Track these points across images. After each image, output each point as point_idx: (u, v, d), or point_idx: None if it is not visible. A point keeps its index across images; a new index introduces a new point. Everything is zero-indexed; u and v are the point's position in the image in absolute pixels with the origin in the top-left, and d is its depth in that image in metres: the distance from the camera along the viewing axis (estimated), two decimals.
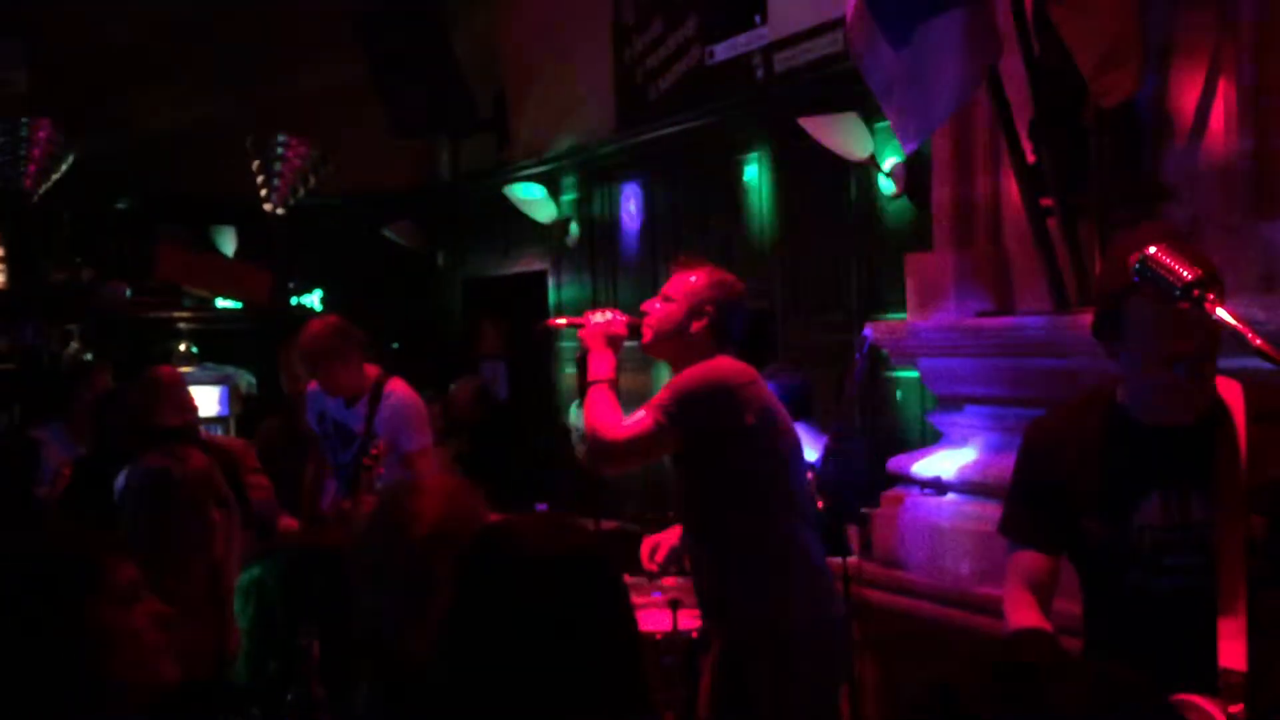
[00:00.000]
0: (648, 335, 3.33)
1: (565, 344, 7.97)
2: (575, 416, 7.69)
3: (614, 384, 3.26)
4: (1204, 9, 3.55)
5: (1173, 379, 2.22)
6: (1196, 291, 2.05)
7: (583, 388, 3.31)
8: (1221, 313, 2.03)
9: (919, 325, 4.35)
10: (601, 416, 3.17)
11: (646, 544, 3.63)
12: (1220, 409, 2.27)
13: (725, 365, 3.21)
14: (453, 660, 1.61)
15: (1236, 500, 2.22)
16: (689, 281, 3.32)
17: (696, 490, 3.27)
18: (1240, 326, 2.00)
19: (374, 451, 4.41)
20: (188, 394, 4.83)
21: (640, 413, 3.15)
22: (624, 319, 3.36)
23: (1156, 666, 2.23)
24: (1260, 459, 2.23)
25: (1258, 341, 1.98)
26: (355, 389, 4.69)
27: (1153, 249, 2.11)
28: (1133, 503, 2.28)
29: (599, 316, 3.36)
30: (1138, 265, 2.12)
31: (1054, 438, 2.42)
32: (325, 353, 4.66)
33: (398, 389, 4.70)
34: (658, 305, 3.34)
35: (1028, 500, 2.44)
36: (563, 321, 3.65)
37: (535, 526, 1.73)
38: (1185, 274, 2.06)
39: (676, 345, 3.30)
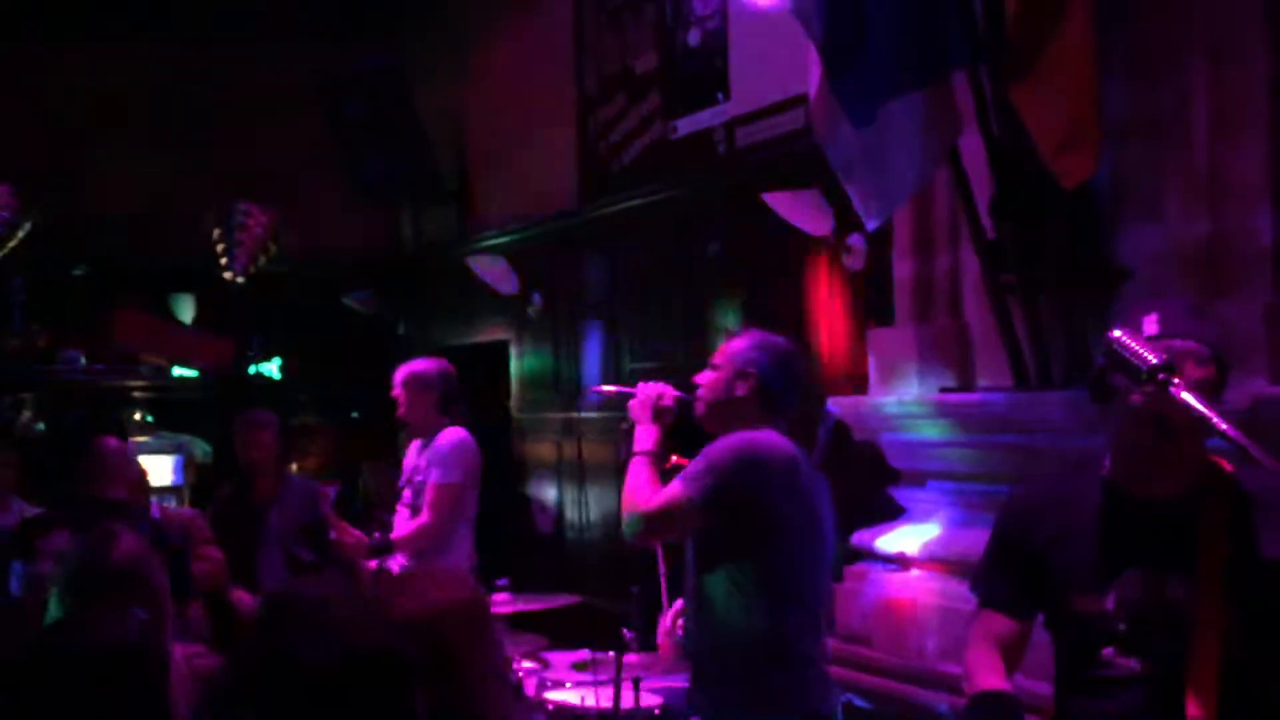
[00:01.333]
0: (700, 407, 3.27)
1: (523, 415, 7.94)
2: (539, 489, 7.63)
3: (656, 457, 3.21)
4: (1161, 92, 3.63)
5: (1154, 449, 2.23)
6: (1161, 375, 2.06)
7: (627, 460, 3.25)
8: (1186, 397, 2.04)
9: (881, 400, 4.36)
10: (638, 488, 3.13)
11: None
12: (1208, 489, 2.27)
13: (762, 438, 3.10)
14: None
15: (1215, 582, 2.22)
16: (733, 346, 3.26)
17: (702, 559, 3.19)
18: (1203, 410, 2.02)
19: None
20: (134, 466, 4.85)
21: (675, 484, 3.09)
22: (673, 393, 3.31)
23: None
24: (1244, 541, 2.23)
25: (1222, 426, 1.99)
26: (424, 430, 5.18)
27: (1117, 332, 2.13)
28: (1111, 578, 2.28)
29: (649, 389, 3.32)
30: (1103, 349, 2.14)
31: (1036, 505, 2.43)
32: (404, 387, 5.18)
33: (451, 432, 5.10)
34: (708, 375, 3.28)
35: (1003, 564, 2.45)
36: (612, 389, 3.61)
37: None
38: (1150, 358, 2.07)
39: (726, 413, 3.20)
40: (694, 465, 3.10)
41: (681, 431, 3.35)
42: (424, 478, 5.12)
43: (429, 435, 5.20)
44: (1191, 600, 2.20)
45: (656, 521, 3.10)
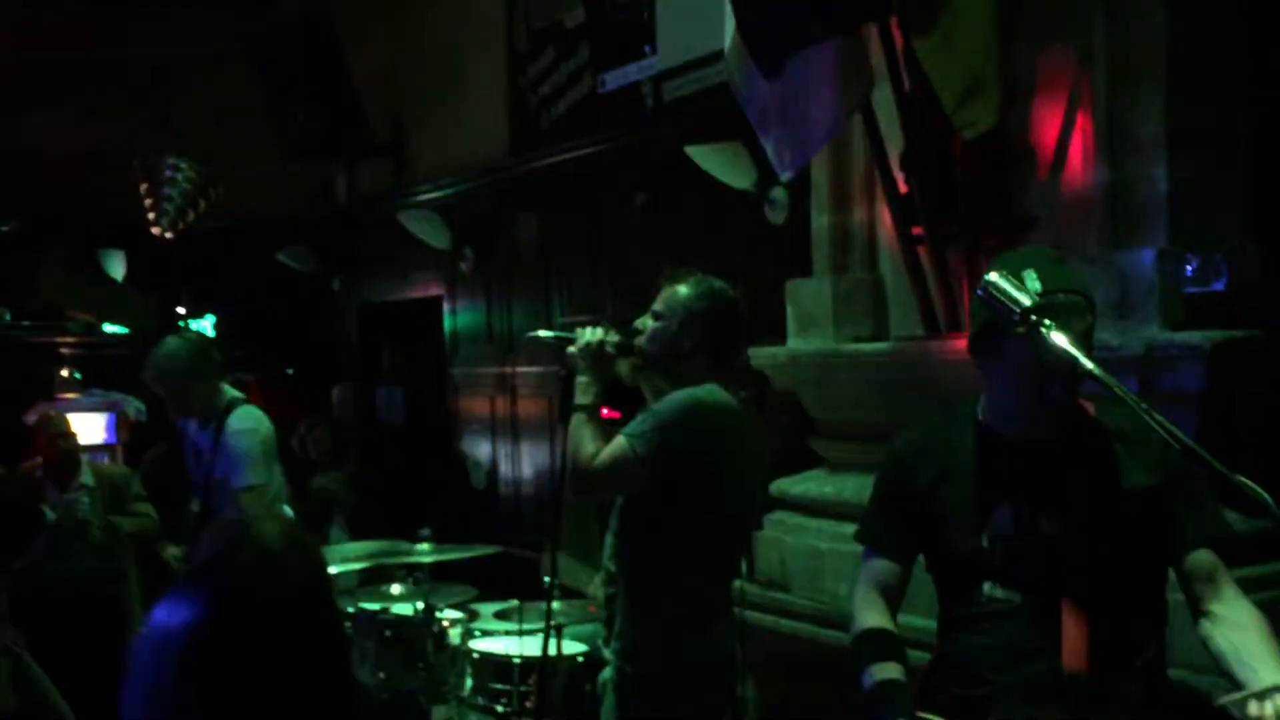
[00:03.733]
0: (642, 357, 3.19)
1: (458, 370, 7.95)
2: (470, 445, 7.63)
3: (596, 409, 3.10)
4: (1063, 46, 3.69)
5: (1039, 409, 2.31)
6: (1033, 318, 2.13)
7: (565, 410, 3.13)
8: (1056, 338, 2.11)
9: (798, 351, 4.43)
10: (580, 445, 3.04)
11: None
12: (1079, 426, 2.36)
13: (708, 397, 3.04)
14: None
15: (1085, 515, 2.31)
16: (678, 295, 3.15)
17: (627, 513, 3.17)
18: (1072, 352, 2.10)
19: None
20: None
21: (619, 440, 3.02)
22: (614, 339, 3.19)
23: (1003, 675, 2.31)
24: (1108, 475, 2.32)
25: (1089, 365, 2.08)
26: (207, 411, 4.60)
27: (993, 275, 2.19)
28: (987, 514, 2.36)
29: (589, 333, 3.17)
30: (980, 290, 2.20)
31: (915, 451, 2.50)
32: (178, 371, 4.56)
33: (239, 420, 4.58)
34: (650, 323, 3.17)
35: (885, 510, 2.53)
36: (550, 335, 3.43)
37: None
38: (1024, 300, 2.15)
39: (670, 365, 3.14)
40: (641, 422, 3.04)
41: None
42: (222, 467, 4.52)
43: (210, 416, 4.61)
44: (1063, 532, 2.29)
45: (603, 478, 3.04)
